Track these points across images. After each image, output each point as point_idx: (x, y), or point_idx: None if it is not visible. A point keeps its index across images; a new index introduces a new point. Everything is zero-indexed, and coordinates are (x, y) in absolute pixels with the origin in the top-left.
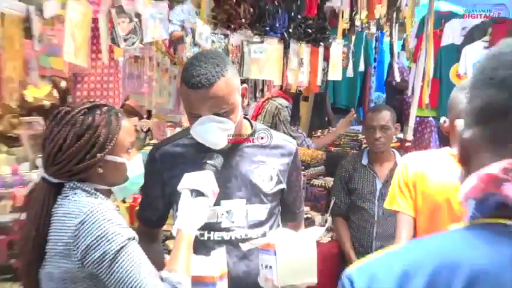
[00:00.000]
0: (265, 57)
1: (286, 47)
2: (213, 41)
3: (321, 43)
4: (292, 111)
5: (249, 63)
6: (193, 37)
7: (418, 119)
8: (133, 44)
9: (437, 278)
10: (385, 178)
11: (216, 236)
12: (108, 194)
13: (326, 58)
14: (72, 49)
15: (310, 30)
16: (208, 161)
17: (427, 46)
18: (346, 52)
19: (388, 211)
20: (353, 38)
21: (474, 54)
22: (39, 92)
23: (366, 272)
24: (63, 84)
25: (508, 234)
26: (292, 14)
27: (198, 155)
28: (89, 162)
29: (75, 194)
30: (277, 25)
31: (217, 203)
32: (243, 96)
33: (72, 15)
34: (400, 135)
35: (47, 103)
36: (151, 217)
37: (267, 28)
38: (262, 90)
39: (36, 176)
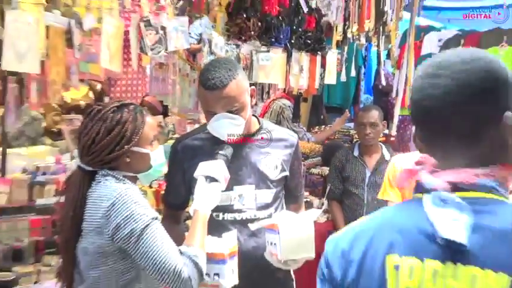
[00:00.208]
0: (270, 64)
1: (289, 56)
2: (226, 50)
3: (319, 52)
4: (294, 110)
5: (257, 69)
6: (210, 47)
7: (401, 117)
8: (159, 52)
9: (375, 235)
10: (373, 167)
11: (229, 216)
12: (134, 180)
13: (323, 65)
14: (107, 57)
15: (309, 41)
16: (220, 152)
17: (408, 55)
18: (340, 59)
19: (380, 201)
20: (345, 48)
21: None
22: (77, 94)
23: (333, 241)
24: (98, 87)
25: (419, 203)
26: (294, 27)
27: (213, 147)
28: (118, 153)
29: (106, 180)
30: (281, 37)
31: (230, 188)
32: (251, 96)
33: (107, 28)
34: (386, 131)
35: (82, 103)
36: (175, 201)
37: (273, 39)
38: (268, 92)
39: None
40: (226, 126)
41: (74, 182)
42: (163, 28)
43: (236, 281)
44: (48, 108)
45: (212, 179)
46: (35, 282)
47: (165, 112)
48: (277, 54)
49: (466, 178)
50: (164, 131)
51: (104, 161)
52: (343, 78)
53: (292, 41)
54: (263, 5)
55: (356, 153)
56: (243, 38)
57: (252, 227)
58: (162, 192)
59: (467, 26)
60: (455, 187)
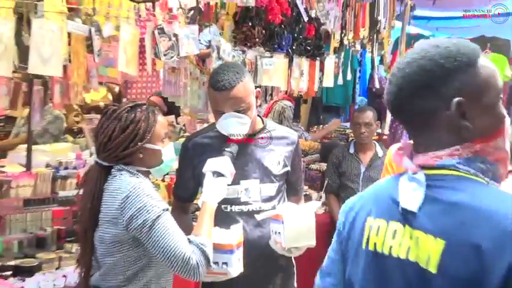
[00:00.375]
0: (273, 69)
1: (290, 61)
2: (233, 56)
3: (317, 58)
4: (295, 110)
5: (261, 73)
6: (218, 52)
7: (392, 117)
8: (171, 57)
9: (365, 201)
10: (367, 163)
11: (236, 208)
12: (147, 174)
13: (321, 69)
14: (124, 61)
15: (309, 48)
16: (226, 149)
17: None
18: (337, 64)
19: None
20: (342, 53)
21: None
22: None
23: (346, 203)
24: (116, 89)
25: (398, 178)
26: (295, 35)
27: (221, 144)
28: (132, 149)
29: (121, 174)
30: (284, 43)
31: (237, 183)
32: (256, 98)
33: (124, 35)
34: (379, 131)
35: (101, 104)
36: (184, 194)
37: (276, 46)
38: (271, 94)
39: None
40: (233, 125)
41: (91, 176)
42: (175, 35)
43: (241, 269)
44: (70, 108)
45: (219, 174)
46: (57, 268)
47: (177, 112)
48: (279, 59)
49: (429, 161)
50: (176, 129)
51: (119, 157)
52: (340, 81)
53: (294, 47)
54: (267, 15)
55: (352, 150)
56: (249, 44)
57: (259, 217)
58: (173, 186)
59: (454, 34)
60: (423, 167)
